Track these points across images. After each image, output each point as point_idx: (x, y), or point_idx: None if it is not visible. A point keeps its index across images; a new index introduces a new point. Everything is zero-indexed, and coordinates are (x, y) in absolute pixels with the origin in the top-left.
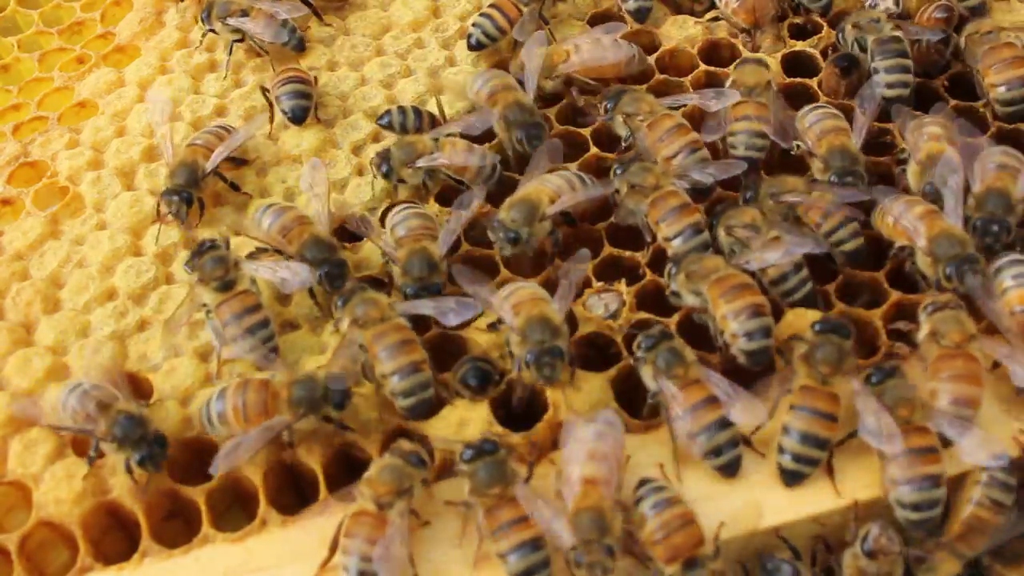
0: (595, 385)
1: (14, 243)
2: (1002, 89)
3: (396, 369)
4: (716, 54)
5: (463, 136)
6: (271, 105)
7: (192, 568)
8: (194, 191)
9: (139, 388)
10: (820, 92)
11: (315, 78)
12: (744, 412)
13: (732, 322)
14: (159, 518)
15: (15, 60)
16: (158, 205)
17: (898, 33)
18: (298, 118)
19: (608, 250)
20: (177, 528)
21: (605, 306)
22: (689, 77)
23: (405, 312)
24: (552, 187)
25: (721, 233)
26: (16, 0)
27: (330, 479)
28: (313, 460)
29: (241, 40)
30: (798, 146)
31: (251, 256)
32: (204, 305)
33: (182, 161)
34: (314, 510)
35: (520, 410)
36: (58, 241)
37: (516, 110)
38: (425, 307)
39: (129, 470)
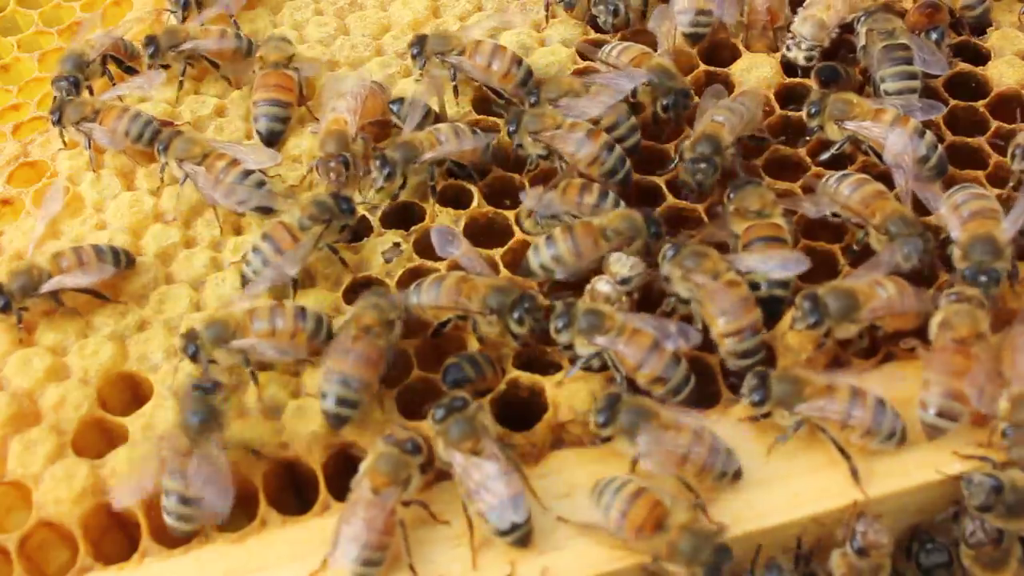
0: (595, 386)
1: (14, 243)
2: None
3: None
4: (716, 54)
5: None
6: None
7: (192, 568)
8: (14, 303)
9: (139, 388)
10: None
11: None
12: (683, 336)
13: (727, 340)
14: (159, 518)
15: (15, 60)
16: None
17: (905, 40)
18: (271, 142)
19: None
20: None
21: (631, 267)
22: (689, 77)
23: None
24: (438, 136)
25: (676, 272)
26: (16, 0)
27: (330, 479)
28: (313, 460)
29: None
30: (834, 215)
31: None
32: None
33: (28, 267)
34: (314, 510)
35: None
36: (58, 241)
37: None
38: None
39: None
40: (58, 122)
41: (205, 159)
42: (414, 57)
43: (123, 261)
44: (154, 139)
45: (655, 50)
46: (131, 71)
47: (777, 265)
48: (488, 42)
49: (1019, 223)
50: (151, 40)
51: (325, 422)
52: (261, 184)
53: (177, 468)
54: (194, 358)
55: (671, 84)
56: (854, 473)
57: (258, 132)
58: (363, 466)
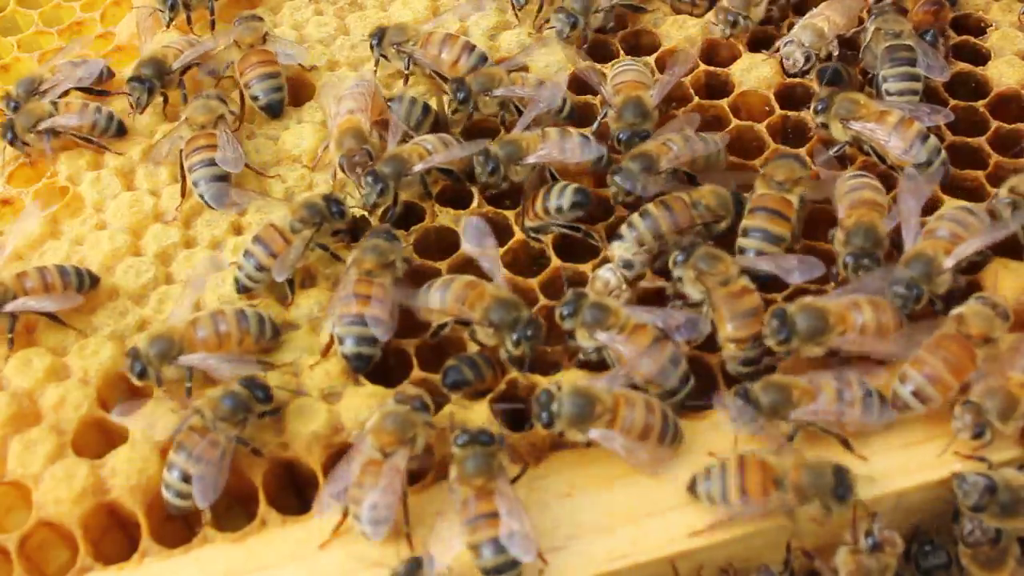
0: None
1: (15, 244)
2: None
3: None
4: (716, 54)
5: None
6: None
7: (192, 568)
8: None
9: (139, 388)
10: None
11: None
12: (690, 328)
13: (732, 345)
14: (159, 518)
15: (15, 60)
16: None
17: (910, 42)
18: (275, 111)
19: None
20: (177, 528)
21: (634, 251)
22: (689, 77)
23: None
24: (425, 146)
25: (689, 274)
26: (16, 0)
27: None
28: (313, 460)
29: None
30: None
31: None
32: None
33: None
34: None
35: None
36: (58, 241)
37: None
38: None
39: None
40: (12, 141)
41: (200, 129)
42: (372, 48)
43: (86, 283)
44: (120, 132)
45: (655, 51)
46: (103, 93)
47: (792, 270)
48: (440, 32)
49: (959, 257)
50: (144, 81)
51: (349, 366)
52: (219, 179)
53: (185, 444)
54: (141, 377)
55: (632, 121)
56: (844, 443)
57: (261, 108)
58: (368, 423)
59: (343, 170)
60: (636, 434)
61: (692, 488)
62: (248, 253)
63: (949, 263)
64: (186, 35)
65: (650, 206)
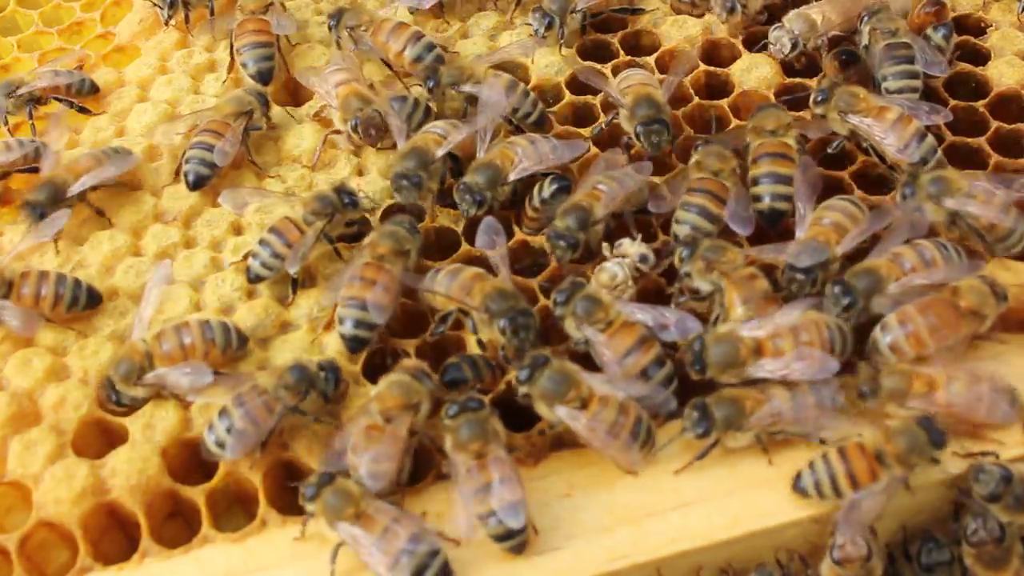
0: None
1: (14, 243)
2: None
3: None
4: (716, 54)
5: None
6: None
7: (192, 568)
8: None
9: None
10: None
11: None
12: (680, 328)
13: None
14: (159, 518)
15: (15, 60)
16: None
17: (907, 39)
18: (265, 79)
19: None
20: (177, 528)
21: (641, 256)
22: (689, 77)
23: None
24: (436, 133)
25: (698, 266)
26: (16, 0)
27: None
28: (313, 460)
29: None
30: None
31: None
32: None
33: None
34: None
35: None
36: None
37: None
38: None
39: None
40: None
41: (222, 117)
42: (330, 28)
43: (82, 301)
44: (93, 91)
45: (655, 52)
46: (83, 111)
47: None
48: (391, 20)
49: (902, 287)
50: (36, 208)
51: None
52: (208, 165)
53: (244, 399)
54: (118, 404)
55: (648, 113)
56: (822, 443)
57: (251, 76)
58: (374, 391)
59: (357, 133)
60: (603, 431)
61: (797, 484)
62: (264, 242)
63: (893, 289)
64: (93, 149)
65: (687, 197)
